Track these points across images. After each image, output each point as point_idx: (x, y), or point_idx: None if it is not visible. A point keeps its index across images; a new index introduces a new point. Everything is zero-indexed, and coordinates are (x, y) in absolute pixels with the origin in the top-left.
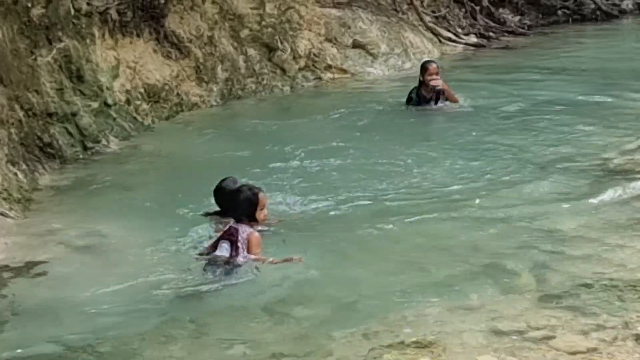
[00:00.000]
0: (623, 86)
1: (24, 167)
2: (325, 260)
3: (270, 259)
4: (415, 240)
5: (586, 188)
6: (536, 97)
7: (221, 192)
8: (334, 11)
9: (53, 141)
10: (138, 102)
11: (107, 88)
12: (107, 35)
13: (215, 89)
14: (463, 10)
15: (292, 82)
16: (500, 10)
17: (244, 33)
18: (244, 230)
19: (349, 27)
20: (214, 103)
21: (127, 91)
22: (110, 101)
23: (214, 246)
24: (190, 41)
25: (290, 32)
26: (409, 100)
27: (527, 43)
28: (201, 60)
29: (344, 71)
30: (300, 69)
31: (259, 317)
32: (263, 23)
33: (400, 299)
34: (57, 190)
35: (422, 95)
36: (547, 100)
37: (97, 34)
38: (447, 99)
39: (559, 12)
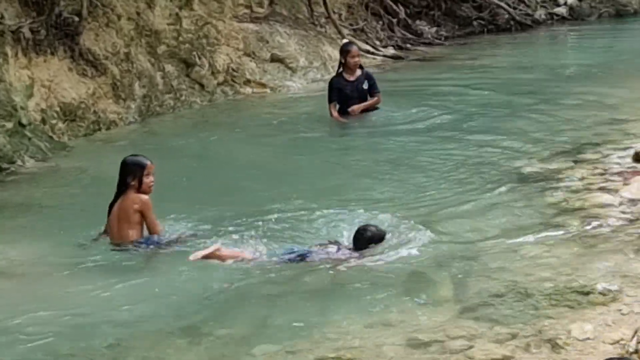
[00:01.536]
0: (536, 95)
1: None
2: (245, 277)
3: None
4: None
5: (501, 197)
6: (452, 106)
7: None
8: (251, 26)
9: None
10: (54, 121)
11: (22, 107)
12: (20, 54)
13: (132, 106)
14: (380, 22)
15: (211, 97)
16: (417, 22)
17: (161, 49)
18: None
19: (267, 42)
20: (132, 120)
21: (43, 110)
22: (25, 121)
23: None
24: (107, 58)
25: (208, 47)
26: (332, 91)
27: (443, 54)
28: (118, 77)
29: (263, 85)
30: (219, 84)
31: (179, 337)
32: (180, 39)
33: (321, 316)
34: None
35: (345, 80)
36: (462, 110)
37: (9, 53)
38: (371, 87)
39: (475, 23)
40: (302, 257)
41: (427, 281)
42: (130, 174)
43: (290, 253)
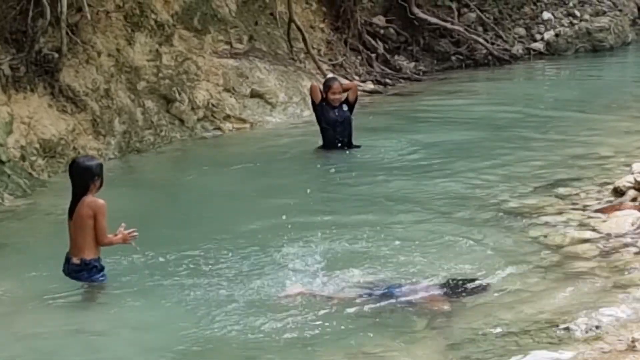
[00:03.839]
0: (514, 130)
1: None
2: (213, 311)
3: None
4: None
5: (481, 232)
6: (432, 141)
7: None
8: (231, 61)
9: None
10: (33, 158)
11: (1, 144)
12: None
13: (112, 142)
14: (359, 57)
15: (191, 132)
16: (396, 57)
17: (141, 85)
18: None
19: (247, 77)
20: (112, 156)
21: (22, 147)
22: (4, 158)
23: None
24: (86, 94)
25: (188, 83)
26: (316, 110)
27: (422, 88)
28: (98, 113)
29: (243, 121)
30: (199, 120)
31: None
32: (160, 75)
33: (301, 350)
34: None
35: (328, 105)
36: (442, 144)
37: None
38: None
39: (453, 57)
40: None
41: (407, 316)
42: (96, 175)
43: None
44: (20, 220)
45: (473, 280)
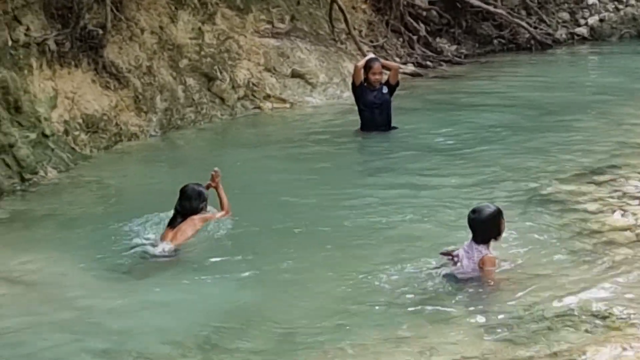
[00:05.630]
0: (555, 115)
1: None
2: (264, 289)
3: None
4: (352, 269)
5: (518, 217)
6: (470, 125)
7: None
8: (272, 41)
9: None
10: (76, 133)
11: (45, 119)
12: (45, 66)
13: (154, 119)
14: (401, 39)
15: (231, 111)
16: (438, 39)
17: (183, 63)
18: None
19: (288, 57)
20: (153, 133)
21: (66, 122)
22: (48, 132)
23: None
24: (129, 71)
25: (229, 62)
26: (356, 91)
27: (463, 72)
28: (140, 90)
29: (283, 100)
30: (239, 99)
31: (195, 351)
32: (202, 53)
33: (336, 331)
34: None
35: (368, 85)
36: (481, 128)
37: (35, 64)
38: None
39: (495, 41)
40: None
41: (443, 299)
42: (205, 200)
43: None
44: (62, 194)
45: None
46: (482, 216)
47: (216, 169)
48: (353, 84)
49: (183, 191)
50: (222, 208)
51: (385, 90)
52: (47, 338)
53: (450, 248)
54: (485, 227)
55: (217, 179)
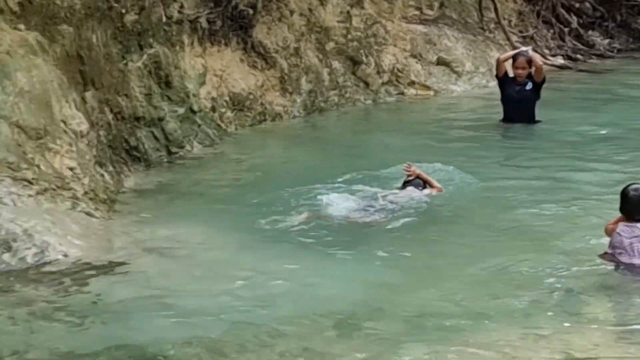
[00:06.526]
0: None
1: (111, 168)
2: (399, 273)
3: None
4: (493, 260)
5: None
6: (617, 122)
7: None
8: (420, 27)
9: (139, 145)
10: (223, 110)
11: (194, 95)
12: (196, 43)
13: (298, 100)
14: (551, 31)
15: (374, 96)
16: (590, 32)
17: (330, 46)
18: None
19: (435, 44)
20: (297, 114)
21: (213, 99)
22: (195, 108)
23: None
24: (277, 52)
25: (376, 47)
26: (500, 83)
27: (615, 67)
28: (286, 71)
29: (427, 87)
30: (383, 84)
31: (327, 329)
32: (349, 36)
33: (469, 321)
34: (141, 193)
35: (512, 80)
36: (627, 126)
37: (186, 41)
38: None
39: None
40: None
41: (582, 300)
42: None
43: None
44: (207, 169)
45: None
46: None
47: (405, 164)
48: (496, 75)
49: None
50: (432, 187)
51: (529, 86)
52: (195, 313)
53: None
54: None
55: (411, 169)
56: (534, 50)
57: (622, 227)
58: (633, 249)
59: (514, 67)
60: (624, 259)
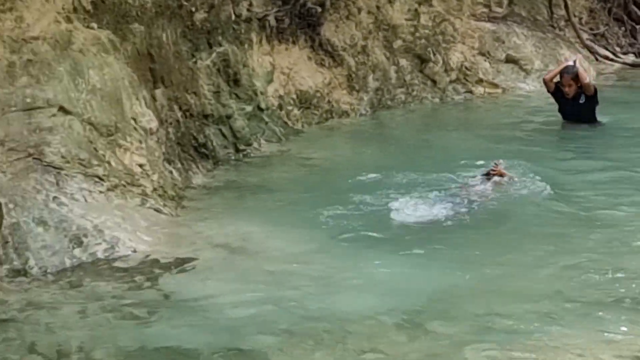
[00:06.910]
0: None
1: (179, 165)
2: (467, 273)
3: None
4: (564, 261)
5: None
6: None
7: None
8: (488, 25)
9: (207, 142)
10: (290, 108)
11: (261, 92)
12: (264, 41)
13: (365, 98)
14: (623, 28)
15: (442, 94)
16: None
17: (397, 43)
18: None
19: (503, 42)
20: (363, 112)
21: (280, 96)
22: (263, 105)
23: None
24: (344, 50)
25: (444, 45)
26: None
27: None
28: (353, 69)
29: (495, 86)
30: (451, 82)
31: (394, 329)
32: (417, 34)
33: (540, 323)
34: (208, 189)
35: (563, 95)
36: None
37: (255, 39)
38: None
39: None
40: None
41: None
42: None
43: None
44: (274, 166)
45: None
46: None
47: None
48: (548, 91)
49: None
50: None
51: (582, 99)
52: (258, 303)
53: None
54: None
55: (498, 168)
56: (605, 47)
57: None
58: None
59: (561, 84)
60: None
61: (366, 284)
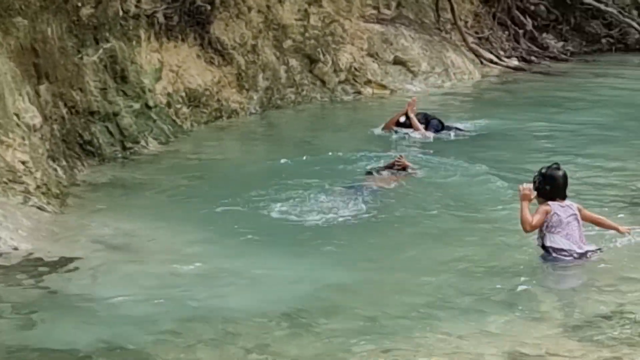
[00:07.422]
0: None
1: (64, 163)
2: (352, 271)
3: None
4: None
5: (617, 218)
6: (570, 124)
7: None
8: (377, 27)
9: (93, 139)
10: (178, 106)
11: (150, 90)
12: (152, 38)
13: (255, 97)
14: (506, 33)
15: (331, 94)
16: (544, 35)
17: (287, 43)
18: None
19: (391, 44)
20: (253, 111)
21: (169, 94)
22: (151, 103)
23: None
24: (234, 48)
25: (333, 45)
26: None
27: (568, 69)
28: (243, 67)
29: (384, 87)
30: (340, 82)
31: (280, 327)
32: (306, 34)
33: (423, 319)
34: (94, 187)
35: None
36: (581, 128)
37: (143, 36)
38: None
39: (603, 40)
40: None
41: (531, 295)
42: None
43: None
44: (161, 165)
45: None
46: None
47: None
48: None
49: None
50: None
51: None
52: (140, 303)
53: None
54: None
55: (402, 160)
56: (489, 51)
57: (556, 207)
58: (570, 227)
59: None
60: (561, 236)
61: (252, 283)
